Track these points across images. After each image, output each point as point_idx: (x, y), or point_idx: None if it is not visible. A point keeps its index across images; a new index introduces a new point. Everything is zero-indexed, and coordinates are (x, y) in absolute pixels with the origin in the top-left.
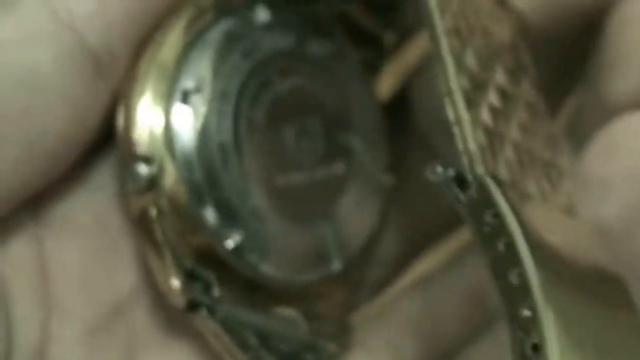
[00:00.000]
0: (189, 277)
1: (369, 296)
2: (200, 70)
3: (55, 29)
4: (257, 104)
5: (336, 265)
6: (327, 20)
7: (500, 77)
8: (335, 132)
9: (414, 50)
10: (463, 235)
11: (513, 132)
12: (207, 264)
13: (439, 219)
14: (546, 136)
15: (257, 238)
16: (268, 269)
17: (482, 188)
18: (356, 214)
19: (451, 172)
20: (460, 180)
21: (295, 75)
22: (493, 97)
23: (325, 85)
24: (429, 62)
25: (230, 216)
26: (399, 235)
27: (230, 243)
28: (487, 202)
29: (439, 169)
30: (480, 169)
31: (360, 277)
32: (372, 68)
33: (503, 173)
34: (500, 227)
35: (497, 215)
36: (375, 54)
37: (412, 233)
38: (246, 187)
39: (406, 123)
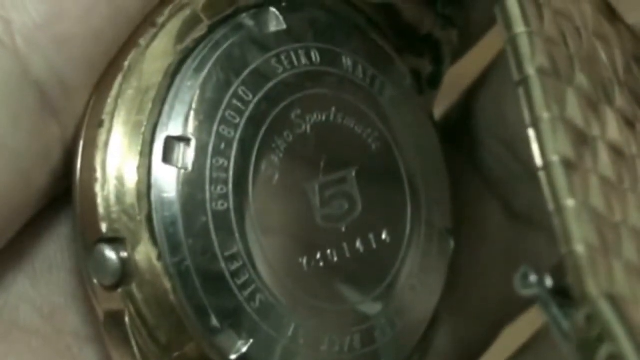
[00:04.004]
0: None
1: None
2: (190, 107)
3: None
4: (268, 153)
5: None
6: (361, 20)
7: (612, 127)
8: (381, 181)
9: (480, 56)
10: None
11: (632, 213)
12: None
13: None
14: None
15: (271, 346)
16: None
17: (595, 316)
18: (414, 298)
19: (549, 281)
20: (563, 295)
21: (320, 106)
22: (604, 161)
23: (363, 118)
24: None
25: (233, 318)
26: (458, 325)
27: (233, 355)
28: (601, 335)
29: (533, 277)
30: (591, 285)
31: None
32: (428, 82)
33: (622, 285)
34: None
35: (616, 357)
36: (430, 63)
37: (472, 322)
38: (255, 275)
39: (463, 157)
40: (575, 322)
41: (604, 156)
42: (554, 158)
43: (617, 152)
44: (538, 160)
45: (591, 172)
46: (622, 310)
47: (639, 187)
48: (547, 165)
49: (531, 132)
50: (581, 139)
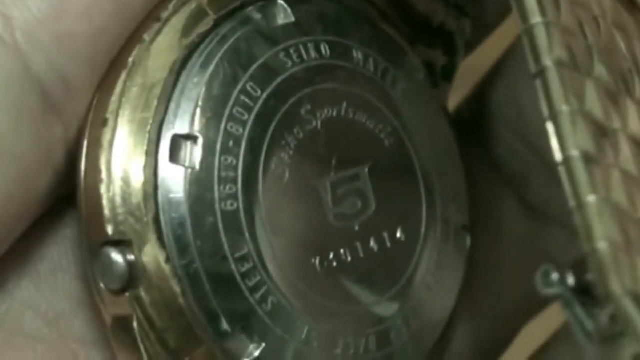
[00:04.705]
0: None
1: None
2: (196, 104)
3: None
4: (278, 150)
5: None
6: (371, 12)
7: (633, 119)
8: (394, 178)
9: (495, 46)
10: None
11: None
12: None
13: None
14: None
15: (284, 350)
16: None
17: (619, 315)
18: (430, 297)
19: (571, 280)
20: (586, 293)
21: (331, 101)
22: (626, 155)
23: (375, 113)
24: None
25: (244, 322)
26: (476, 325)
27: (244, 359)
28: (626, 335)
29: (554, 276)
30: (615, 283)
31: None
32: (442, 74)
33: None
34: None
35: None
36: (443, 54)
37: (490, 322)
38: (266, 276)
39: (478, 151)
40: (598, 321)
41: (626, 149)
42: (574, 152)
43: (638, 145)
44: (558, 155)
45: (613, 167)
46: None
47: None
48: (567, 160)
49: (550, 126)
50: (601, 132)
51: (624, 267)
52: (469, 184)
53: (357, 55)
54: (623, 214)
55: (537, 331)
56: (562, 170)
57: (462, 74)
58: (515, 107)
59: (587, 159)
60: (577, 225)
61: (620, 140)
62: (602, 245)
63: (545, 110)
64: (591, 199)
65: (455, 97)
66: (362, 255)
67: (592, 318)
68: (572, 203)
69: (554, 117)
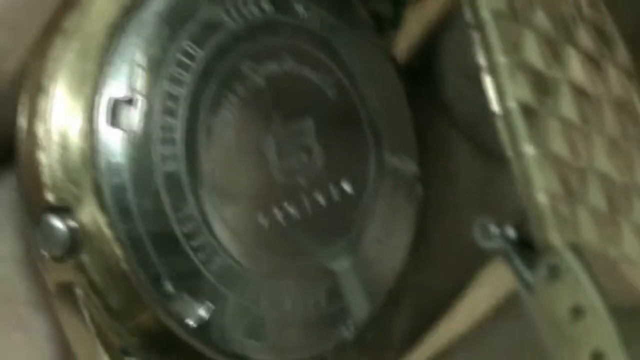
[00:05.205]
0: None
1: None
2: (134, 66)
3: None
4: (219, 109)
5: (351, 330)
6: None
7: (575, 67)
8: (340, 130)
9: None
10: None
11: (599, 157)
12: (159, 352)
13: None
14: None
15: (232, 310)
16: (251, 351)
17: (559, 267)
18: (383, 248)
19: (511, 232)
20: (527, 247)
21: (272, 56)
22: (567, 103)
23: (319, 66)
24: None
25: (189, 283)
26: (430, 274)
27: (192, 321)
28: (567, 291)
29: (494, 228)
30: (554, 236)
31: (385, 338)
32: (388, 22)
33: (588, 234)
34: (587, 331)
35: (582, 310)
36: (390, 2)
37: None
38: (211, 236)
39: (428, 98)
40: (538, 273)
41: (567, 98)
42: (512, 104)
43: (581, 93)
44: (495, 107)
45: (553, 116)
46: (587, 260)
47: (604, 127)
48: (504, 112)
49: (487, 78)
50: (542, 82)
51: (564, 218)
52: (420, 132)
53: (300, 9)
54: (564, 164)
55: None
56: (499, 121)
57: (411, 21)
58: (466, 51)
59: (526, 110)
60: (516, 176)
61: (561, 88)
62: (540, 196)
63: (482, 63)
64: (529, 149)
65: (405, 44)
66: (309, 210)
67: (533, 271)
68: (510, 154)
69: (492, 69)
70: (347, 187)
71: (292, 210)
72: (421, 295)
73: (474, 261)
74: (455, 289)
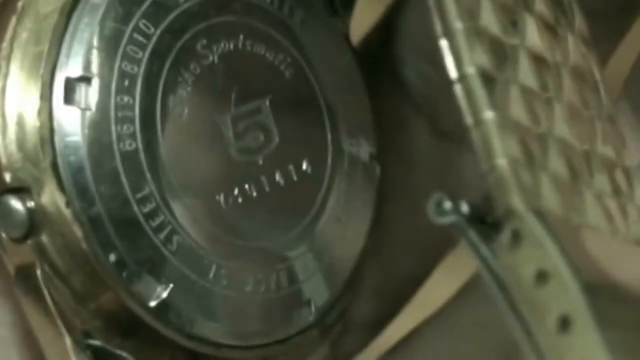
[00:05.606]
0: (97, 357)
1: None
2: (89, 45)
3: None
4: (175, 87)
5: (312, 313)
6: None
7: (532, 34)
8: (297, 109)
9: None
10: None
11: (559, 124)
12: (121, 334)
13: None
14: (605, 120)
15: (193, 290)
16: (212, 332)
17: (522, 232)
18: (341, 229)
19: (465, 207)
20: (481, 222)
21: (227, 35)
22: (525, 70)
23: (275, 46)
24: None
25: (149, 263)
26: (391, 256)
27: (153, 301)
28: (531, 256)
29: (447, 204)
30: (516, 200)
31: (349, 322)
32: (341, 1)
33: (550, 200)
34: (553, 296)
35: (546, 275)
36: None
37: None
38: (170, 216)
39: (387, 79)
40: (500, 240)
41: (525, 65)
42: (470, 70)
43: (539, 59)
44: (453, 73)
45: (511, 82)
46: (550, 224)
47: (564, 95)
48: (462, 78)
49: (444, 44)
50: (499, 48)
51: (526, 184)
52: (378, 112)
53: None
54: (524, 130)
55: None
56: (458, 87)
57: (366, 2)
58: (425, 30)
59: (484, 76)
60: (476, 143)
61: (519, 55)
62: (501, 162)
63: (438, 28)
64: (489, 115)
65: (362, 25)
66: (268, 189)
67: (489, 244)
68: (469, 120)
69: (448, 35)
70: (305, 167)
71: (250, 189)
72: (383, 279)
73: (435, 243)
74: (417, 273)
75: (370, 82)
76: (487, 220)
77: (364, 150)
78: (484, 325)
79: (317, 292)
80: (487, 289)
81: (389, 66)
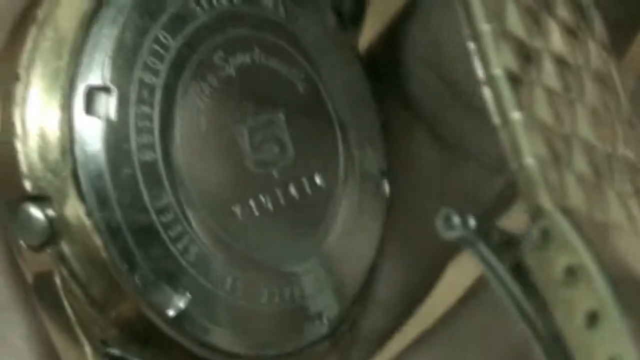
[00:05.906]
0: None
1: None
2: (109, 55)
3: None
4: (193, 98)
5: (324, 326)
6: None
7: (555, 38)
8: (310, 123)
9: None
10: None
11: (582, 125)
12: (139, 343)
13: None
14: (626, 123)
15: (209, 300)
16: (226, 342)
17: (551, 229)
18: (351, 244)
19: (472, 222)
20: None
21: (243, 48)
22: (549, 72)
23: (288, 59)
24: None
25: (167, 273)
26: (398, 269)
27: (170, 311)
28: (560, 252)
29: (456, 219)
30: (545, 199)
31: (358, 334)
32: (350, 18)
33: (576, 199)
34: (581, 291)
35: (575, 271)
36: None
37: (412, 265)
38: (188, 226)
39: (390, 91)
40: (530, 237)
41: (549, 67)
42: (498, 71)
43: (562, 62)
44: (481, 74)
45: (536, 84)
46: (577, 222)
47: (586, 97)
48: (490, 79)
49: (472, 47)
50: (524, 51)
51: (553, 182)
52: (385, 128)
53: (266, 1)
54: (549, 130)
55: (461, 276)
56: (486, 89)
57: (372, 14)
58: (430, 40)
59: (511, 77)
60: (504, 143)
61: (543, 58)
62: (529, 160)
63: (467, 32)
64: (517, 115)
65: (367, 38)
66: (282, 202)
67: (498, 256)
68: (497, 121)
69: (476, 37)
70: (319, 180)
71: (265, 202)
72: (393, 291)
73: (439, 253)
74: (423, 283)
75: (376, 94)
76: (491, 235)
77: (373, 165)
78: (489, 333)
79: (328, 305)
80: (494, 297)
81: (392, 76)
